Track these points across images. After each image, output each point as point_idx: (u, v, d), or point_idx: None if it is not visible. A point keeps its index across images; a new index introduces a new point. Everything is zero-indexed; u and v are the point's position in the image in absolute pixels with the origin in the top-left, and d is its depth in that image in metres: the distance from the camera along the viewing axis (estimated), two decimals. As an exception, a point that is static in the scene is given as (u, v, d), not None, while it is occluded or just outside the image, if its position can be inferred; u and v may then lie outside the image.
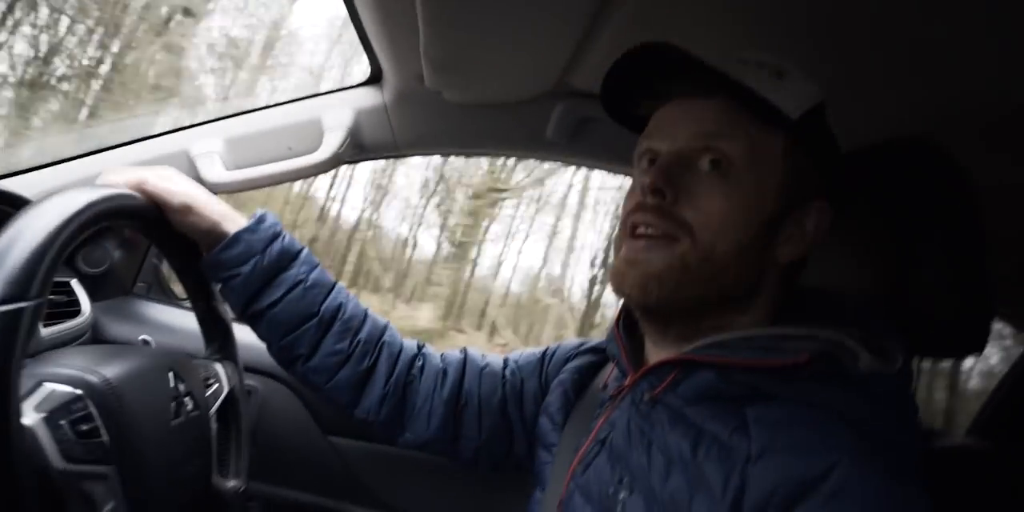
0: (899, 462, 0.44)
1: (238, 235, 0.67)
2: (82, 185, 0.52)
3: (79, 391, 0.46)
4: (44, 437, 0.42)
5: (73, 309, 0.94)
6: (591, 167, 1.11)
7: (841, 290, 0.58)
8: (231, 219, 0.68)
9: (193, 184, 0.68)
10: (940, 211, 0.60)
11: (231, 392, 0.71)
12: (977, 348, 0.60)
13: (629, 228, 0.54)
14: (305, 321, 0.71)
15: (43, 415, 0.42)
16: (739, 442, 0.45)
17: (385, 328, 0.79)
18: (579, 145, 1.00)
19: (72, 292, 0.97)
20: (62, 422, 0.43)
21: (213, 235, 0.67)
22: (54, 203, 0.45)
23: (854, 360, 0.47)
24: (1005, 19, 0.55)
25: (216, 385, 0.70)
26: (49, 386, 0.45)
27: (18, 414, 0.37)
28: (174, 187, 0.65)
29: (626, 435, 0.55)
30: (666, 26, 0.69)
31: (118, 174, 0.64)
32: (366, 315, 0.77)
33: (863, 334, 0.49)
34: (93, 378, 0.47)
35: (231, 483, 0.69)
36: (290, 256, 0.71)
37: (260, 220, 0.70)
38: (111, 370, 0.49)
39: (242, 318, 0.72)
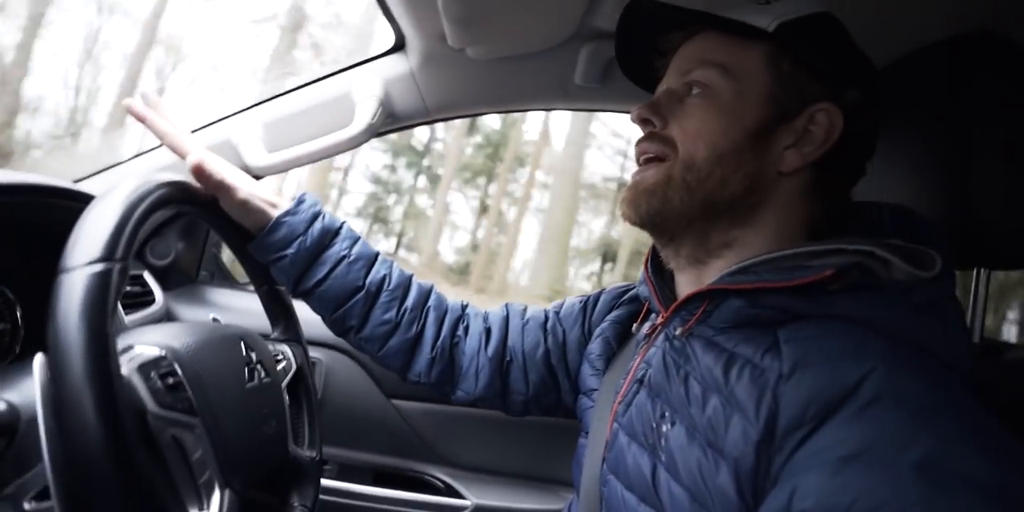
0: (941, 369, 0.42)
1: (280, 219, 0.70)
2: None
3: (163, 352, 0.50)
4: (139, 384, 0.45)
5: (148, 298, 1.01)
6: (623, 112, 1.07)
7: (895, 203, 0.54)
8: (272, 203, 0.70)
9: (229, 170, 0.68)
10: (1008, 110, 0.56)
11: (299, 369, 0.75)
12: None
13: (637, 160, 0.59)
14: (353, 295, 0.74)
15: (136, 366, 0.46)
16: (771, 362, 0.44)
17: (430, 292, 0.81)
18: (610, 89, 0.98)
19: (146, 283, 1.03)
20: (152, 374, 0.46)
21: (257, 218, 0.69)
22: (127, 186, 0.50)
23: (886, 269, 0.45)
24: None
25: (285, 362, 0.73)
26: (138, 348, 0.49)
27: (117, 364, 0.41)
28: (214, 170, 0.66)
29: (663, 370, 0.54)
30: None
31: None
32: (410, 281, 0.79)
33: (902, 243, 0.46)
34: (175, 343, 0.51)
35: (307, 453, 0.72)
36: (332, 233, 0.73)
37: (300, 202, 0.71)
38: (190, 337, 0.54)
39: (294, 295, 0.76)
